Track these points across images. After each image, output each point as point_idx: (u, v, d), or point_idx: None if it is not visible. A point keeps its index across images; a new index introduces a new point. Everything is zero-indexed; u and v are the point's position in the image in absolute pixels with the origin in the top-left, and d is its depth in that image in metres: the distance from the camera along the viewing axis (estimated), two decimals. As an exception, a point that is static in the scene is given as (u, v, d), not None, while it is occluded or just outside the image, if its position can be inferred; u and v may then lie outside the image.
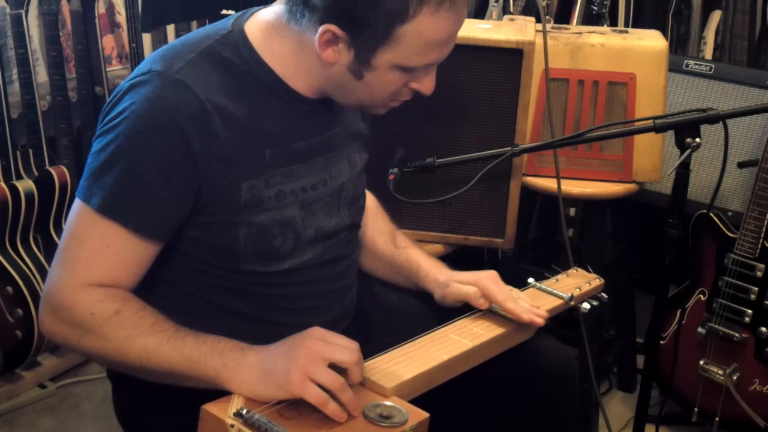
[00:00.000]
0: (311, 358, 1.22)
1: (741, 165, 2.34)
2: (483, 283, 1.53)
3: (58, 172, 2.54)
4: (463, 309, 1.55)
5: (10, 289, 2.42)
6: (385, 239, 1.69)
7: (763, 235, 2.17)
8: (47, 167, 2.55)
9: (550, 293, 1.62)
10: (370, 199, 1.73)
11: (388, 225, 1.73)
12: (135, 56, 2.73)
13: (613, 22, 2.66)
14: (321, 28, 1.28)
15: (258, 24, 1.39)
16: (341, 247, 1.52)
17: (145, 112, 1.28)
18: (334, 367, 1.23)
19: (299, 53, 1.36)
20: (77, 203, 1.33)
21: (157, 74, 1.31)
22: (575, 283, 1.68)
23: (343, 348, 1.25)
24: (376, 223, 1.70)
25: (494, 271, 1.56)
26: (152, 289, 1.39)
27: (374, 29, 1.27)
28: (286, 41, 1.36)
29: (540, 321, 1.48)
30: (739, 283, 2.23)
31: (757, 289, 2.20)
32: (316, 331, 1.27)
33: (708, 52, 2.68)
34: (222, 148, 1.31)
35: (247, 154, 1.34)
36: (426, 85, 1.39)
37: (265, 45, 1.37)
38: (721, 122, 1.70)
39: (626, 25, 2.73)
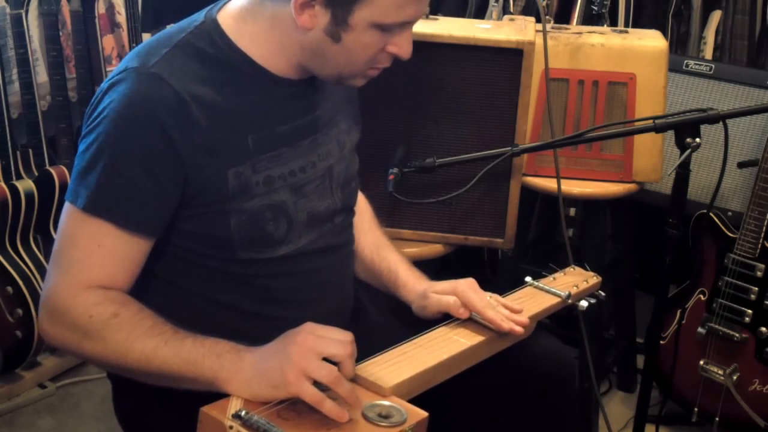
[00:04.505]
0: (304, 353, 1.21)
1: (741, 165, 2.34)
2: (461, 291, 1.51)
3: (58, 172, 2.54)
4: (444, 318, 1.53)
5: (10, 289, 2.42)
6: (368, 244, 1.68)
7: (763, 235, 2.17)
8: (47, 167, 2.55)
9: (548, 291, 1.62)
10: (363, 203, 1.73)
11: (375, 230, 1.72)
12: (135, 56, 2.73)
13: (613, 22, 2.66)
14: None
15: (230, 11, 1.40)
16: (336, 234, 1.52)
17: (123, 109, 1.29)
18: (328, 361, 1.23)
19: (274, 30, 1.36)
20: (66, 205, 1.33)
21: (133, 71, 1.32)
22: (572, 281, 1.68)
23: (335, 341, 1.24)
24: (362, 226, 1.70)
25: (472, 278, 1.54)
26: (149, 287, 1.39)
27: None
28: (260, 21, 1.36)
29: (519, 330, 1.46)
30: (739, 283, 2.22)
31: (757, 289, 2.20)
32: (308, 326, 1.27)
33: (708, 52, 2.68)
34: (204, 137, 1.32)
35: (229, 141, 1.35)
36: (403, 47, 1.38)
37: (238, 30, 1.38)
38: (721, 122, 1.70)
39: (626, 25, 2.73)
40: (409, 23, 1.36)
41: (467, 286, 1.52)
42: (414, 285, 1.60)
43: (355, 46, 1.34)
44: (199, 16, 1.41)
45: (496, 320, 1.46)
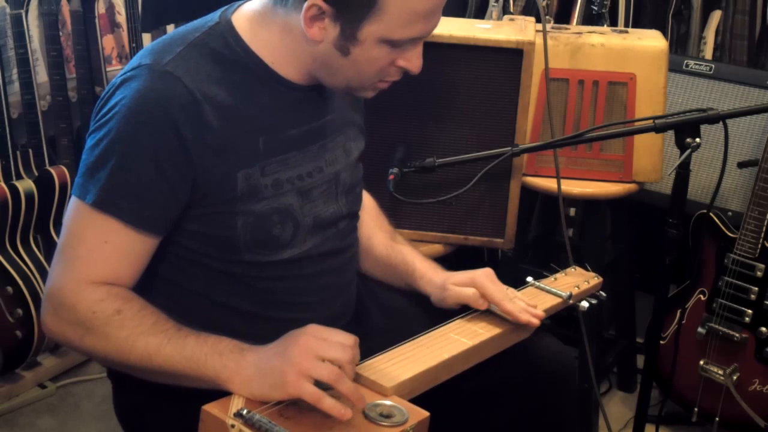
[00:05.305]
0: (305, 355, 1.21)
1: (741, 165, 2.34)
2: (481, 282, 1.52)
3: (58, 172, 2.54)
4: (460, 309, 1.54)
5: (10, 289, 2.42)
6: (381, 239, 1.68)
7: (763, 235, 2.17)
8: (47, 167, 2.55)
9: (549, 292, 1.62)
10: (368, 199, 1.73)
11: (385, 225, 1.73)
12: (135, 56, 2.74)
13: (613, 22, 2.66)
14: (306, 4, 1.28)
15: (245, 14, 1.40)
16: (341, 239, 1.52)
17: (135, 105, 1.29)
18: None
19: (286, 37, 1.36)
20: (73, 200, 1.33)
21: (146, 68, 1.32)
22: (574, 282, 1.68)
23: (337, 345, 1.24)
24: (373, 222, 1.70)
25: (489, 268, 1.55)
26: (153, 287, 1.39)
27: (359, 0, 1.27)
28: (273, 27, 1.37)
29: (536, 322, 1.48)
30: (739, 283, 2.23)
31: (757, 289, 2.20)
32: (311, 329, 1.27)
33: (708, 52, 2.69)
34: (215, 137, 1.32)
35: (240, 143, 1.35)
36: (413, 62, 1.38)
37: (252, 34, 1.38)
38: (721, 122, 1.71)
39: (626, 25, 2.73)
40: (419, 39, 1.36)
41: (486, 277, 1.53)
42: (431, 276, 1.60)
43: (364, 60, 1.34)
44: (213, 17, 1.41)
45: (515, 312, 1.47)
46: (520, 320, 1.47)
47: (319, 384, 1.20)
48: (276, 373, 1.21)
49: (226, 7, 1.43)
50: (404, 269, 1.64)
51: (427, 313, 1.58)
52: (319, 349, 1.23)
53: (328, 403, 1.18)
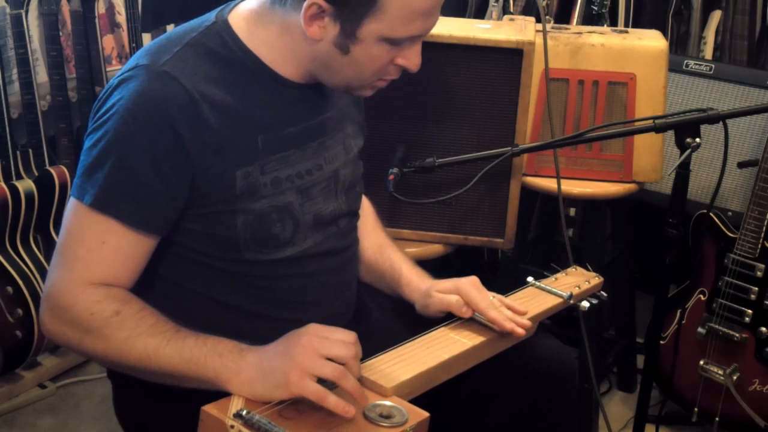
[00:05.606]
0: (308, 354, 1.21)
1: (741, 165, 2.34)
2: (465, 290, 1.50)
3: (58, 172, 2.54)
4: (446, 317, 1.52)
5: (10, 289, 2.42)
6: (372, 244, 1.68)
7: (763, 235, 2.17)
8: (47, 167, 2.55)
9: (549, 292, 1.62)
10: (365, 204, 1.73)
11: (378, 231, 1.72)
12: (135, 56, 2.74)
13: (613, 22, 2.66)
14: (306, 2, 1.28)
15: (242, 13, 1.40)
16: (341, 237, 1.52)
17: (133, 106, 1.29)
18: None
19: (284, 36, 1.36)
20: (72, 201, 1.33)
21: (143, 68, 1.32)
22: (574, 282, 1.68)
23: (340, 343, 1.24)
24: (367, 227, 1.70)
25: (475, 276, 1.54)
26: (153, 286, 1.39)
27: None
28: (271, 26, 1.37)
29: (520, 331, 1.46)
30: (739, 283, 2.23)
31: (757, 289, 2.20)
32: (312, 328, 1.27)
33: (708, 52, 2.69)
34: (213, 136, 1.32)
35: (239, 141, 1.35)
36: (412, 60, 1.38)
37: (249, 33, 1.38)
38: (721, 122, 1.71)
39: (626, 25, 2.73)
40: (418, 37, 1.36)
41: (470, 284, 1.51)
42: (417, 283, 1.59)
43: (364, 59, 1.34)
44: (210, 17, 1.41)
45: (499, 320, 1.46)
46: (504, 329, 1.45)
47: (320, 382, 1.20)
48: (279, 373, 1.21)
49: (221, 7, 1.43)
50: (391, 275, 1.63)
51: (421, 317, 1.58)
52: (322, 347, 1.23)
53: (332, 401, 1.18)
